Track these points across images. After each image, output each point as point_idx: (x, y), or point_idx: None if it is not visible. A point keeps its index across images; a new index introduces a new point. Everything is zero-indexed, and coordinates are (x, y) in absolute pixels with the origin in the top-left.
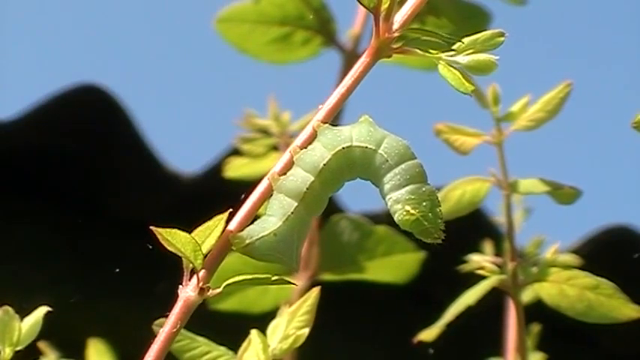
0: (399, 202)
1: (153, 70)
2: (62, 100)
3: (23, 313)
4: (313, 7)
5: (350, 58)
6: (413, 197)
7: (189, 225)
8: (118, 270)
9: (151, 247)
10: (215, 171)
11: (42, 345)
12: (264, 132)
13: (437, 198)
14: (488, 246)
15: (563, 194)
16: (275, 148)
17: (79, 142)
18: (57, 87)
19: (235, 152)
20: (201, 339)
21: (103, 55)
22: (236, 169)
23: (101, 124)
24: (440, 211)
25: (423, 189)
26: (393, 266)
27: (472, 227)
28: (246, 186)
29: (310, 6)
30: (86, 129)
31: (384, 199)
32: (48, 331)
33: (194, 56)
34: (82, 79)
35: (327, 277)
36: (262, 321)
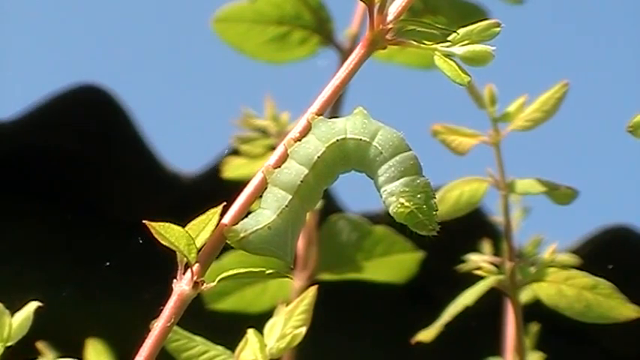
0: (394, 195)
1: (153, 70)
2: (62, 100)
3: (18, 310)
4: (311, 6)
5: (347, 57)
6: (407, 189)
7: None
8: (113, 268)
9: (141, 241)
10: (215, 171)
11: (40, 345)
12: (263, 132)
13: (431, 190)
14: (486, 246)
15: (560, 194)
16: (273, 148)
17: (79, 142)
18: (57, 87)
19: (235, 152)
20: (198, 338)
21: (103, 55)
22: (234, 169)
23: (101, 124)
24: (435, 203)
25: (418, 181)
26: (392, 266)
27: (470, 227)
28: (246, 186)
29: (308, 5)
30: (86, 129)
31: (378, 191)
32: (47, 331)
33: (193, 56)
34: (82, 79)
35: (326, 276)
36: (260, 320)
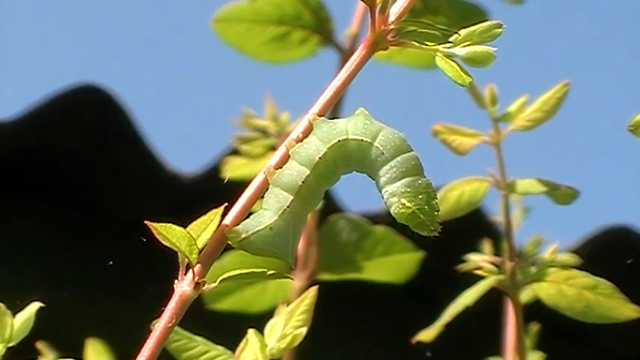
0: (395, 195)
1: (153, 70)
2: (62, 100)
3: (19, 310)
4: (311, 6)
5: (347, 57)
6: (409, 190)
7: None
8: (113, 268)
9: (144, 240)
10: (215, 171)
11: (40, 345)
12: (263, 132)
13: (433, 191)
14: (486, 246)
15: (560, 194)
16: (273, 148)
17: (78, 142)
18: (57, 87)
19: (235, 152)
20: (199, 338)
21: (103, 55)
22: (234, 169)
23: (101, 124)
24: (436, 203)
25: (419, 182)
26: (392, 266)
27: (470, 227)
28: (246, 186)
29: (308, 5)
30: (86, 129)
31: (380, 192)
32: (47, 331)
33: (193, 56)
34: (82, 79)
35: (326, 277)
36: (260, 320)
